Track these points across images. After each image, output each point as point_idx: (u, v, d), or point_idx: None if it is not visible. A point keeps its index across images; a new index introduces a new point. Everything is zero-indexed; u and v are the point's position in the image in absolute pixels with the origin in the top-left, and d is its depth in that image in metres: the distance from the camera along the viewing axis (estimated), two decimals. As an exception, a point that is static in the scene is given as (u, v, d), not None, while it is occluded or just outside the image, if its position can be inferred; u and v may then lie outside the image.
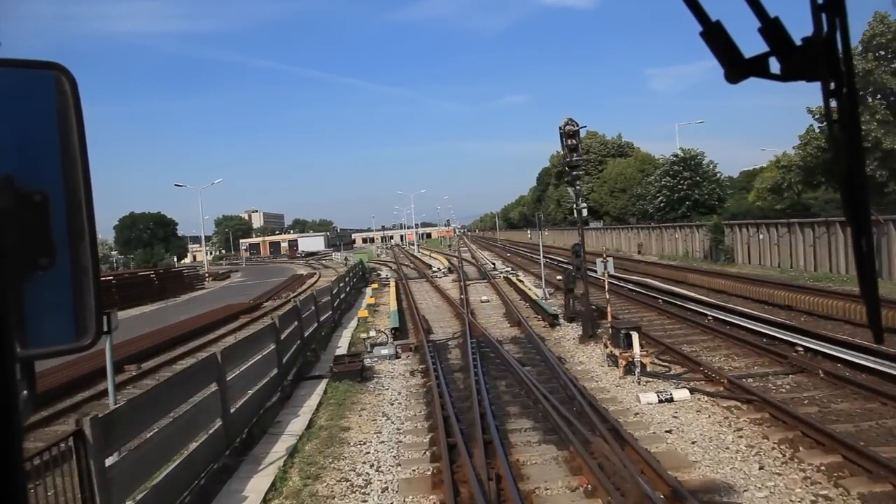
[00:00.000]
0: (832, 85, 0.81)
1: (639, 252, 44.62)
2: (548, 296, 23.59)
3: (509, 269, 40.94)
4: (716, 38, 0.87)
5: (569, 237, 72.87)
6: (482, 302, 24.14)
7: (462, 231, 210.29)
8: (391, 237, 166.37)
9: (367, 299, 26.25)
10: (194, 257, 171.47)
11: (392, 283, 32.50)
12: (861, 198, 0.81)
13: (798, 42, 0.84)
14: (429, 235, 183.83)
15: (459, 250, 75.98)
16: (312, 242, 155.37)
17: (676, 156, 50.31)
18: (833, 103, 0.82)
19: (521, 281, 30.30)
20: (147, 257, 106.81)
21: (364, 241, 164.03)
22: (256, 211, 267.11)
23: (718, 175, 49.54)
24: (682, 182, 48.62)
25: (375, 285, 33.24)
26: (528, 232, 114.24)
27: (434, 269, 45.28)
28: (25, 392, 0.62)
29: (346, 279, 30.11)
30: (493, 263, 45.93)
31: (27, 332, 0.80)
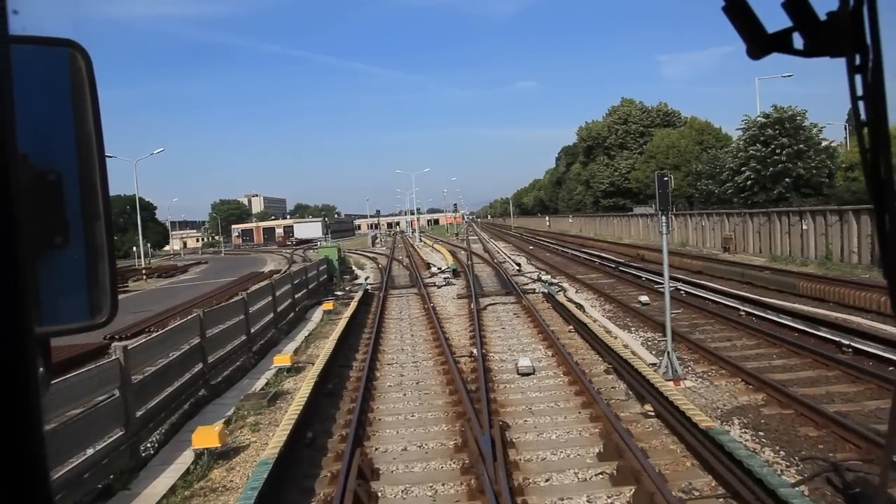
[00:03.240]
0: (857, 60, 0.79)
1: (726, 250, 31.25)
2: (677, 369, 10.20)
3: (542, 271, 27.75)
4: (738, 12, 0.86)
5: (603, 225, 59.23)
6: (522, 374, 10.83)
7: (471, 217, 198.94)
8: (397, 223, 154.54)
9: (279, 358, 12.85)
10: (185, 244, 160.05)
11: (353, 304, 19.26)
12: (886, 176, 0.79)
13: (823, 17, 0.82)
14: (436, 222, 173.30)
15: (468, 240, 62.77)
16: (309, 229, 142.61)
17: (767, 116, 36.68)
18: (858, 80, 0.80)
19: (578, 307, 17.02)
20: (117, 245, 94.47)
21: (369, 227, 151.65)
22: (257, 195, 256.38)
23: (828, 143, 35.80)
24: (778, 151, 35.06)
25: (330, 305, 20.08)
26: (547, 219, 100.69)
27: (433, 269, 32.14)
28: (42, 369, 0.61)
29: (269, 300, 17.01)
30: (517, 263, 32.63)
31: (42, 310, 0.80)
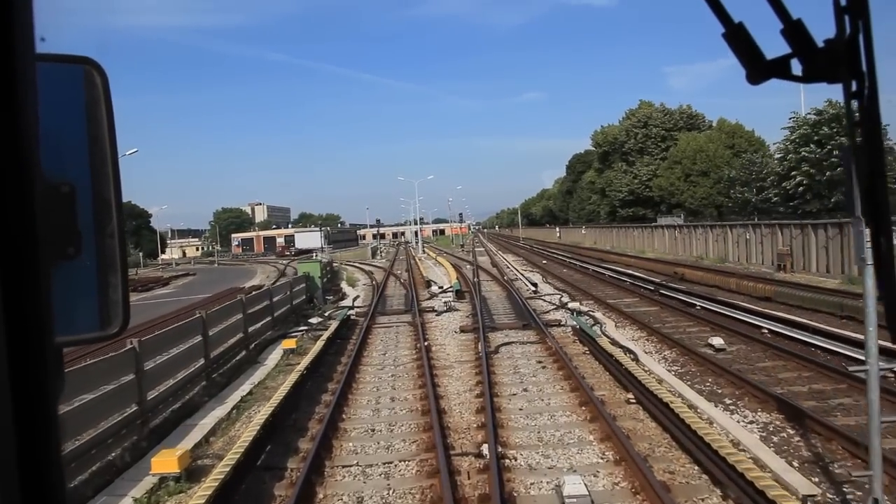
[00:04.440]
0: (854, 86, 0.81)
1: (781, 268, 26.29)
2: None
3: (563, 293, 22.88)
4: (738, 39, 0.88)
5: (622, 237, 54.16)
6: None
7: (477, 228, 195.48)
8: (402, 233, 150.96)
9: (162, 458, 7.94)
10: (184, 253, 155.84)
11: (320, 343, 14.41)
12: (881, 198, 0.81)
13: (820, 44, 0.85)
14: (442, 232, 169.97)
15: (475, 252, 57.92)
16: (310, 238, 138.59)
17: (821, 112, 31.81)
18: (854, 105, 0.82)
19: (627, 353, 12.16)
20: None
21: (374, 236, 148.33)
22: (260, 204, 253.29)
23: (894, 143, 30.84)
24: (837, 153, 30.15)
25: (292, 343, 15.26)
26: (557, 230, 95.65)
27: (434, 288, 27.34)
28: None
29: (197, 342, 12.26)
30: (532, 282, 27.68)
31: (55, 320, 0.77)
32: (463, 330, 16.71)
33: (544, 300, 22.25)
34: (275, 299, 19.19)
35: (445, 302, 21.14)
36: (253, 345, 15.93)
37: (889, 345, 7.99)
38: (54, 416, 0.58)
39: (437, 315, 19.97)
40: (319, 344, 14.46)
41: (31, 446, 0.55)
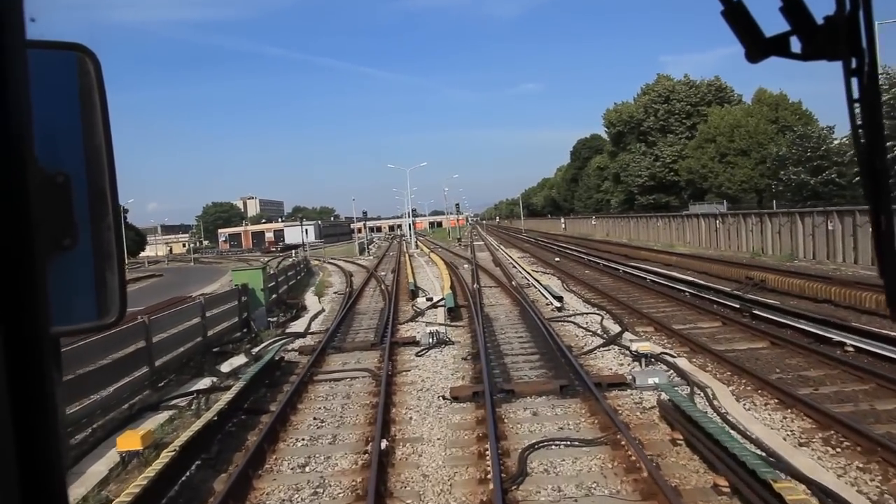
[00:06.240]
0: (853, 63, 0.81)
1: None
2: None
3: (601, 310, 15.88)
4: (737, 17, 0.88)
5: (641, 229, 47.14)
6: None
7: (475, 220, 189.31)
8: (399, 226, 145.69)
9: None
10: (170, 249, 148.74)
11: (176, 445, 7.37)
12: (881, 177, 0.81)
13: (819, 21, 0.84)
14: (439, 224, 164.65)
15: (473, 246, 50.97)
16: (300, 233, 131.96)
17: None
18: (854, 83, 0.82)
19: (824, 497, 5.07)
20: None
21: (372, 230, 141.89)
22: (252, 198, 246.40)
23: None
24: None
25: (135, 442, 8.20)
26: (562, 221, 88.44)
27: (420, 301, 20.37)
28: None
29: None
30: (553, 294, 20.43)
31: (51, 310, 0.76)
32: (456, 397, 9.63)
33: (576, 324, 15.22)
34: (161, 338, 12.16)
35: (432, 332, 14.05)
36: (87, 431, 8.93)
37: None
38: (53, 407, 0.56)
39: (417, 355, 12.95)
40: (183, 438, 7.30)
41: (30, 442, 0.53)
